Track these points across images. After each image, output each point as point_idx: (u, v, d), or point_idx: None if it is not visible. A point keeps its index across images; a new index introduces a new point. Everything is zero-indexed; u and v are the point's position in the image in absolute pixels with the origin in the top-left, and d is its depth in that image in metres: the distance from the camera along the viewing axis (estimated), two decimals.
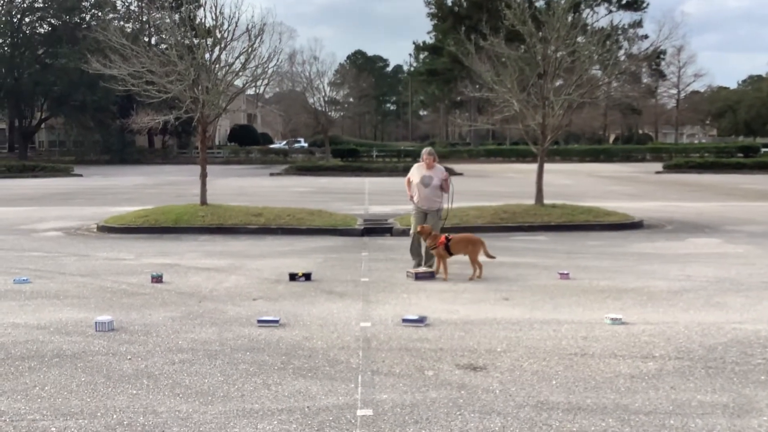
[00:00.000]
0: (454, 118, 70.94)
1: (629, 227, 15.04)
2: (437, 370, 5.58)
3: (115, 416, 4.66)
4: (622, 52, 55.80)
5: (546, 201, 16.28)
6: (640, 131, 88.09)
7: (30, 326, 6.90)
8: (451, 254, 9.50)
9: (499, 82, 16.12)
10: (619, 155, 56.73)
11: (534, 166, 17.40)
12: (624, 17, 69.49)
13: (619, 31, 60.25)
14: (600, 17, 66.46)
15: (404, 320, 7.01)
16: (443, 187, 10.18)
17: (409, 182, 10.39)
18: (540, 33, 16.17)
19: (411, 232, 10.36)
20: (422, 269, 9.64)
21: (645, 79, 77.63)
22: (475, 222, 14.85)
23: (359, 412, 4.71)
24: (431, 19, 71.11)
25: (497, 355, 5.97)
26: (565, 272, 9.46)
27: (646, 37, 67.68)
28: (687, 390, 5.14)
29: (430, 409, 4.76)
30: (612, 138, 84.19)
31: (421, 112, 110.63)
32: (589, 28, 20.01)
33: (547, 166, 17.14)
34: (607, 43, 17.64)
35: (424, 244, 9.99)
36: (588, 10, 65.52)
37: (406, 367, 5.64)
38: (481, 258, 9.55)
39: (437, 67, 68.07)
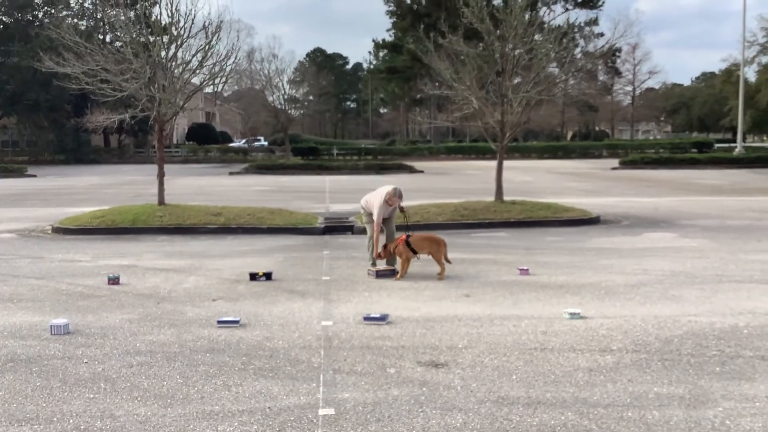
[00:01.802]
0: (414, 115, 71.19)
1: (587, 223, 15.24)
2: (399, 367, 5.59)
3: (71, 421, 4.56)
4: (578, 50, 56.69)
5: (506, 197, 16.41)
6: (597, 128, 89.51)
7: None
8: (415, 252, 9.43)
9: (458, 79, 16.20)
10: (577, 152, 57.50)
11: (494, 163, 17.54)
12: (580, 15, 70.19)
13: (576, 29, 61.18)
14: (556, 15, 67.28)
15: (366, 318, 7.01)
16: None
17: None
18: (498, 31, 16.29)
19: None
20: (383, 267, 9.63)
21: (601, 77, 78.84)
22: (435, 219, 14.90)
23: (321, 412, 4.69)
24: (390, 17, 71.16)
25: (458, 351, 6.00)
26: (525, 268, 9.56)
27: (601, 35, 68.85)
28: (644, 382, 5.23)
29: (392, 406, 4.77)
30: (570, 135, 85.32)
31: (382, 110, 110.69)
32: (546, 26, 20.20)
33: (506, 163, 17.28)
34: (564, 41, 17.83)
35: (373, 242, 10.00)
36: (545, 8, 66.28)
37: (368, 366, 5.64)
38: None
39: (397, 64, 68.14)
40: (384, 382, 5.26)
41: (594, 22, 70.39)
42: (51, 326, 6.64)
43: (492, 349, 6.05)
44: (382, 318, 6.96)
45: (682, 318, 7.04)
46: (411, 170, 38.84)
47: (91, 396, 5.01)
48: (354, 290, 8.54)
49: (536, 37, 17.69)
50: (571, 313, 7.10)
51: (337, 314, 7.32)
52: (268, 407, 4.78)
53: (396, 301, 7.94)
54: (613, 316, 7.15)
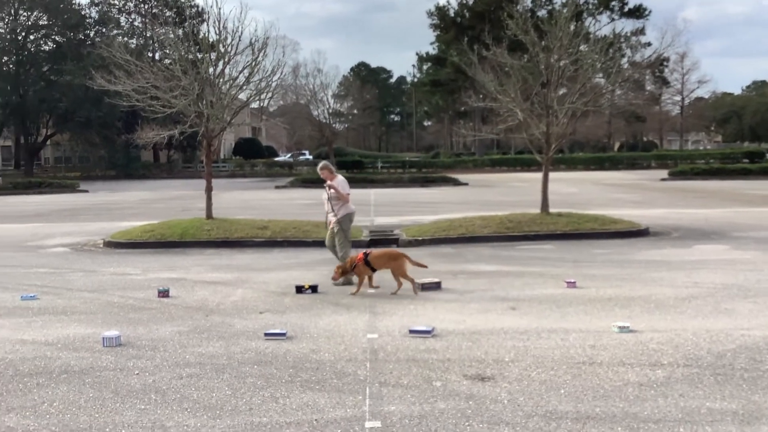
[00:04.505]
0: (458, 128, 70.99)
1: (635, 235, 15.00)
2: (445, 380, 5.57)
3: (123, 431, 4.66)
4: (625, 60, 55.91)
5: (551, 210, 16.26)
6: (645, 138, 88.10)
7: (38, 342, 6.92)
8: (374, 270, 9.32)
9: (502, 91, 16.14)
10: (624, 163, 56.69)
11: (539, 175, 17.39)
12: (626, 25, 69.39)
13: (622, 39, 60.35)
14: (602, 26, 66.53)
15: (411, 331, 7.00)
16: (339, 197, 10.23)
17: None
18: (543, 42, 16.20)
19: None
20: (427, 280, 9.61)
21: (649, 87, 77.68)
22: (481, 232, 14.83)
23: (367, 424, 4.70)
24: (434, 30, 71.40)
25: (505, 365, 5.96)
26: (572, 281, 9.44)
27: (648, 44, 67.77)
28: (696, 397, 5.12)
29: (439, 420, 4.75)
30: (617, 146, 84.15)
31: (425, 123, 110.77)
32: (591, 36, 20.02)
33: (552, 174, 17.13)
34: (610, 51, 17.66)
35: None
36: (590, 19, 65.57)
37: (414, 379, 5.63)
38: (412, 269, 9.30)
39: (441, 77, 68.24)
40: (430, 395, 5.24)
41: (641, 31, 69.49)
42: (103, 338, 6.79)
43: (539, 363, 5.98)
44: (428, 331, 6.95)
45: (735, 332, 6.87)
46: (455, 183, 38.78)
47: (143, 407, 5.11)
48: (399, 303, 8.54)
49: (582, 47, 17.54)
50: (620, 327, 6.99)
51: (382, 327, 7.33)
52: (315, 419, 4.81)
53: (441, 313, 7.91)
54: (664, 329, 7.01)
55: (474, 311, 8.02)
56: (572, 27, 16.55)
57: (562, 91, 16.80)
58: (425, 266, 9.61)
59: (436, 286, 9.40)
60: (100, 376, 5.82)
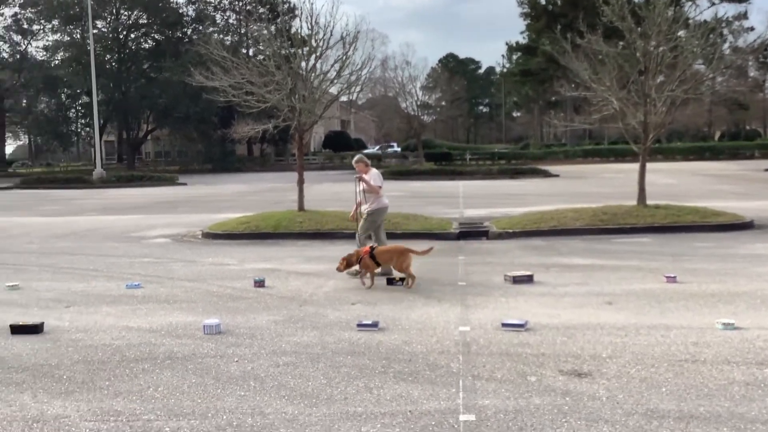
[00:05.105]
0: (549, 118, 69.71)
1: (739, 228, 14.33)
2: (540, 375, 5.49)
3: (224, 417, 4.82)
4: (726, 45, 53.33)
5: (649, 201, 15.74)
6: (748, 127, 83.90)
7: (143, 329, 7.23)
8: (378, 264, 9.28)
9: (597, 80, 15.72)
10: (726, 153, 54.23)
11: (634, 166, 16.86)
12: (728, 9, 66.18)
13: (723, 24, 57.60)
14: (702, 10, 63.58)
15: (504, 324, 6.93)
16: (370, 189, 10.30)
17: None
18: (639, 28, 15.66)
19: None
20: (520, 273, 9.49)
21: (752, 73, 73.77)
22: (573, 224, 14.52)
23: (462, 417, 4.69)
24: (524, 19, 70.06)
25: (602, 361, 5.82)
26: (672, 275, 9.12)
27: (752, 29, 64.41)
28: None
29: (535, 415, 4.69)
30: (717, 135, 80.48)
31: (515, 114, 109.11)
32: (691, 21, 19.19)
33: (648, 165, 16.56)
34: (711, 36, 16.86)
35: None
36: (690, 3, 62.90)
37: (508, 373, 5.57)
38: (417, 259, 9.21)
39: (531, 67, 66.99)
40: (525, 390, 5.18)
41: (743, 16, 66.04)
42: (204, 326, 7.04)
43: (638, 360, 5.81)
44: (521, 324, 6.86)
45: None
46: (546, 174, 38.09)
47: (242, 393, 5.26)
48: (491, 296, 8.47)
49: (681, 33, 16.85)
50: (724, 324, 6.70)
51: (474, 320, 7.29)
52: (409, 411, 4.83)
53: (534, 307, 7.80)
54: None
55: (568, 305, 7.86)
56: (670, 12, 15.92)
57: (660, 79, 16.18)
58: (429, 250, 9.55)
59: (528, 279, 9.27)
60: (202, 363, 6.03)
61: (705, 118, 70.40)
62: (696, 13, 61.40)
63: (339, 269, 9.52)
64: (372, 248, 9.43)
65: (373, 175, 10.40)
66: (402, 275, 9.28)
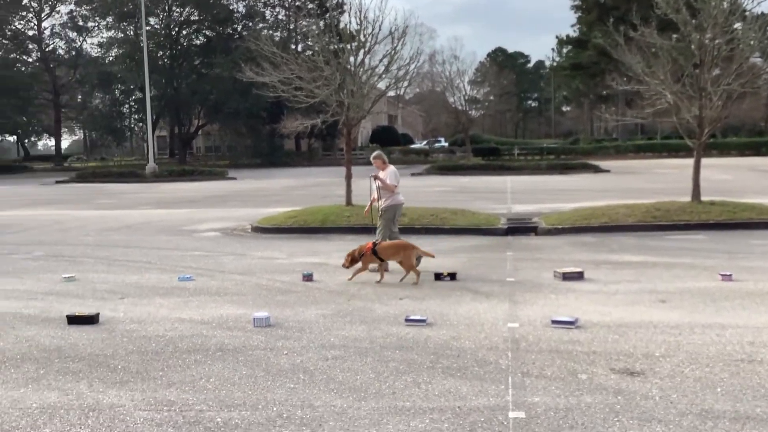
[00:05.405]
0: (600, 112, 68.59)
1: None
2: (591, 374, 5.41)
3: (275, 409, 4.87)
4: None
5: (703, 198, 15.38)
6: None
7: (194, 321, 7.36)
8: (382, 260, 9.31)
9: (650, 73, 15.39)
10: None
11: (687, 161, 16.51)
12: None
13: None
14: (760, 1, 61.87)
15: (554, 321, 6.85)
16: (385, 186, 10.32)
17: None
18: (695, 21, 15.29)
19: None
20: (569, 269, 9.37)
21: None
22: (625, 220, 14.28)
23: (511, 414, 4.65)
24: (575, 12, 69.19)
25: (655, 360, 5.71)
26: (727, 273, 8.89)
27: None
28: None
29: (586, 414, 4.62)
30: None
31: (564, 108, 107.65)
32: (747, 13, 18.65)
33: (703, 160, 16.17)
34: None
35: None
36: None
37: (558, 370, 5.51)
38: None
39: (582, 60, 66.11)
40: (576, 388, 5.12)
41: None
42: (254, 319, 7.13)
43: (693, 359, 5.69)
44: (571, 322, 6.77)
45: None
46: (596, 170, 37.50)
47: (292, 386, 5.32)
48: (540, 292, 8.39)
49: (737, 25, 16.38)
50: None
51: (523, 316, 7.23)
52: (458, 406, 4.82)
53: (585, 304, 7.69)
54: None
55: (620, 303, 7.74)
56: (726, 4, 15.50)
57: (715, 72, 15.77)
58: (433, 255, 9.63)
59: (578, 276, 9.15)
60: (252, 355, 6.11)
61: (762, 112, 68.40)
62: (753, 4, 59.66)
63: (344, 266, 9.59)
64: (375, 244, 9.50)
65: (390, 172, 10.44)
66: (443, 272, 9.31)
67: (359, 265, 9.43)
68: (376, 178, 10.41)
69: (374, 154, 10.83)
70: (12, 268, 11.08)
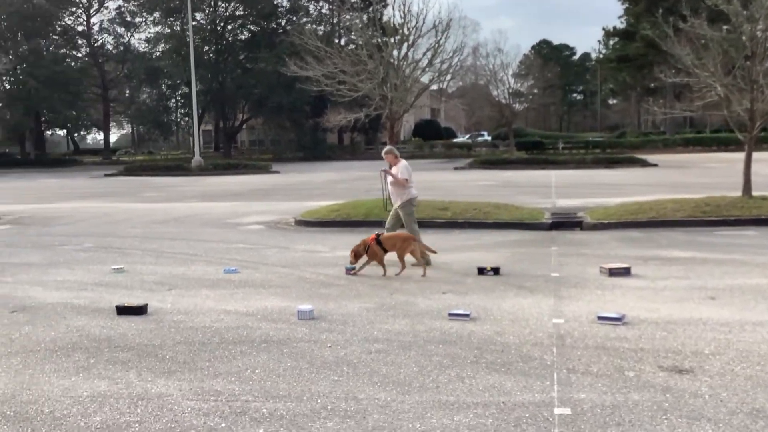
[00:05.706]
0: (647, 105, 67.39)
1: None
2: (638, 371, 5.33)
3: (319, 401, 4.91)
4: None
5: (755, 192, 15.01)
6: None
7: (240, 313, 7.45)
8: (385, 251, 9.37)
9: (700, 65, 15.07)
10: None
11: (738, 156, 16.12)
12: None
13: None
14: None
15: (600, 317, 6.76)
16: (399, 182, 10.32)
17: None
18: (746, 12, 14.90)
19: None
20: (615, 265, 9.23)
21: None
22: (673, 215, 14.01)
23: (557, 411, 4.61)
24: (622, 3, 67.90)
25: (705, 357, 5.60)
26: None
27: None
28: None
29: (633, 411, 4.56)
30: None
31: (610, 101, 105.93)
32: None
33: (755, 154, 15.77)
34: None
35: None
36: None
37: (604, 367, 5.44)
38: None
39: (629, 52, 64.87)
40: (622, 385, 5.04)
41: None
42: (298, 311, 7.19)
43: (744, 357, 5.56)
44: (618, 318, 6.68)
45: None
46: (643, 164, 36.85)
47: (336, 378, 5.35)
48: (585, 288, 8.29)
49: None
50: None
51: (568, 312, 7.15)
52: (503, 402, 4.79)
53: (632, 300, 7.58)
54: None
55: (668, 299, 7.60)
56: None
57: None
58: (435, 251, 9.76)
59: (625, 272, 9.01)
60: (296, 347, 6.16)
61: None
62: None
63: (351, 263, 9.60)
64: (378, 235, 9.59)
65: (402, 167, 10.45)
66: (484, 266, 9.30)
67: (365, 258, 9.52)
68: (385, 172, 10.48)
69: (385, 149, 10.92)
70: (63, 259, 11.36)
